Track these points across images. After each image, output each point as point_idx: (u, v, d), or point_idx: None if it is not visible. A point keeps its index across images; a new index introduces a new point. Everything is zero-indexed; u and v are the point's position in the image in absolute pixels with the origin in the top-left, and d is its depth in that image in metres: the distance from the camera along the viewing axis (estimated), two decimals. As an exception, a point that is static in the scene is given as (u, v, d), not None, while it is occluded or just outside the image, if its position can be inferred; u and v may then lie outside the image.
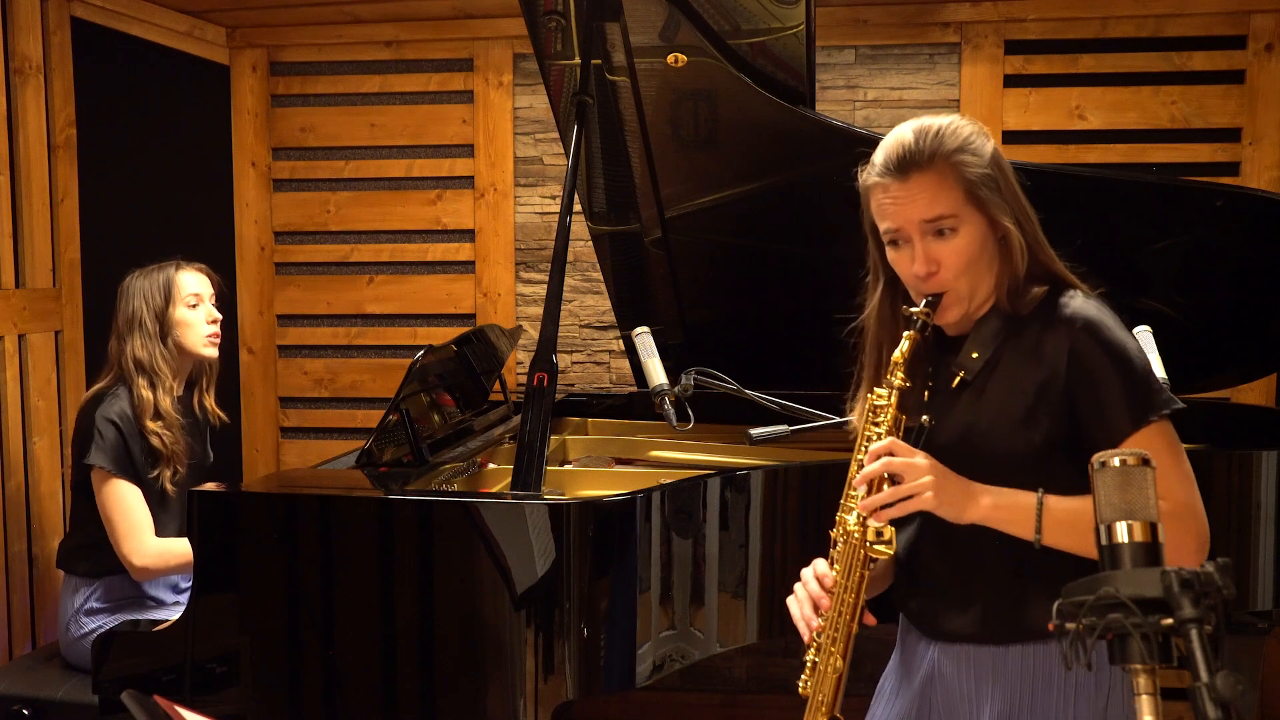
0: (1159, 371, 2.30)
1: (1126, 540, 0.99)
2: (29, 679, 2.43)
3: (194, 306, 2.58)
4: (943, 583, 1.55)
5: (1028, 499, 1.41)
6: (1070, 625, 0.96)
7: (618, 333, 3.44)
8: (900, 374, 1.48)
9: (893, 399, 1.48)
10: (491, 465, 2.54)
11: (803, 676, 1.51)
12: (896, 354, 1.49)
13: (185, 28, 3.50)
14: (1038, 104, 3.39)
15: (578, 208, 2.88)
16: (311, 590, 1.96)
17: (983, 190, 1.47)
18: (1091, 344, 1.44)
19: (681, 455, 2.67)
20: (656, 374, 2.41)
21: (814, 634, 1.49)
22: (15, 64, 2.88)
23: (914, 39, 3.41)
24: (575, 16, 2.39)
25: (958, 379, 1.53)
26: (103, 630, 2.34)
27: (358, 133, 3.70)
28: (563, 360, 3.65)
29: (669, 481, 2.09)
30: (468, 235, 3.69)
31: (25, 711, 2.34)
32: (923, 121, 1.52)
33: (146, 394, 2.48)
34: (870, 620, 1.50)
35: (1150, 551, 0.98)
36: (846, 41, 3.45)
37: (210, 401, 2.70)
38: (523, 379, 3.62)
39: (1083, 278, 1.56)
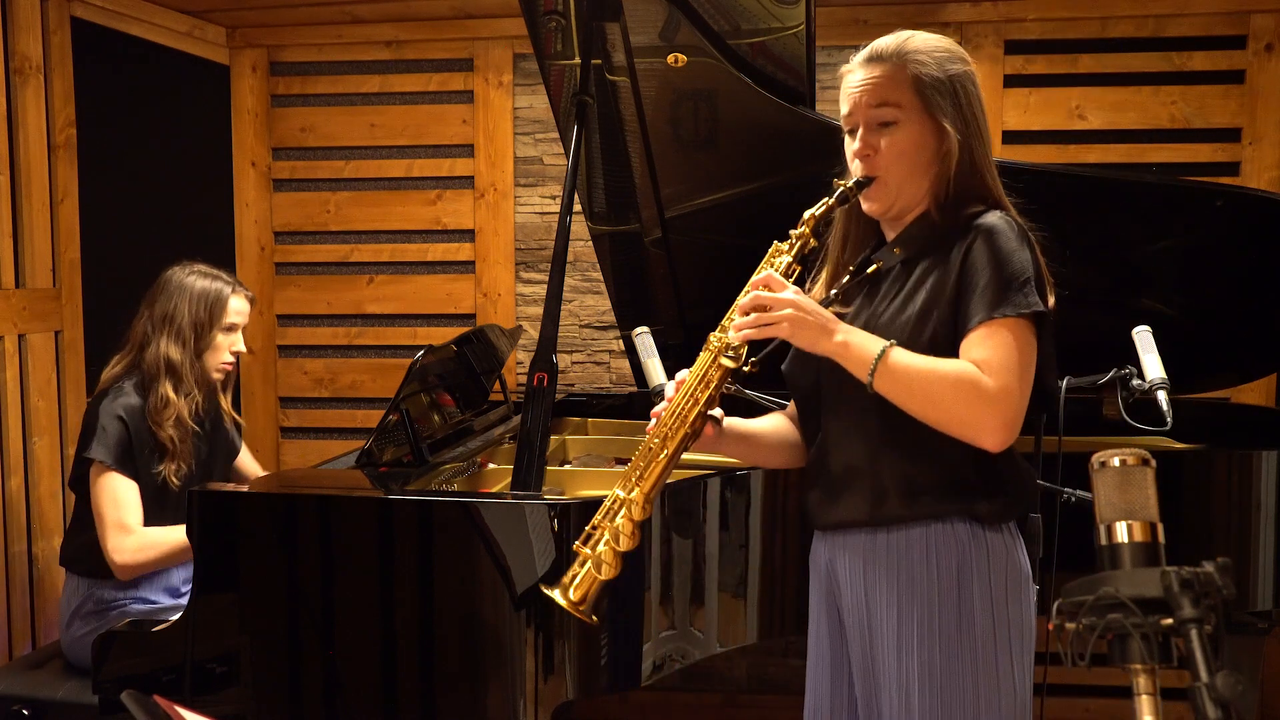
0: (1157, 371, 2.29)
1: (1126, 540, 0.99)
2: (29, 679, 2.43)
3: (227, 332, 2.59)
4: (829, 474, 1.66)
5: (875, 344, 1.51)
6: (1070, 625, 0.96)
7: (618, 333, 3.44)
8: (807, 227, 1.60)
9: (791, 249, 1.61)
10: (491, 465, 2.54)
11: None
12: (806, 214, 1.61)
13: (185, 28, 3.50)
14: (1038, 104, 3.39)
15: (578, 208, 2.88)
16: (311, 590, 1.96)
17: (933, 94, 1.58)
18: (982, 245, 1.54)
19: (681, 455, 2.66)
20: (656, 374, 2.41)
21: (654, 421, 1.60)
22: (15, 64, 2.88)
23: (914, 39, 3.40)
24: (575, 16, 2.39)
25: (873, 268, 1.65)
26: (103, 628, 2.34)
27: (358, 133, 3.70)
28: (563, 360, 3.65)
29: (669, 481, 2.08)
30: (468, 235, 3.69)
31: (25, 711, 2.34)
32: (906, 30, 1.66)
33: (172, 396, 2.48)
34: (709, 430, 1.61)
35: (1150, 551, 0.98)
36: (846, 41, 3.43)
37: (226, 403, 2.70)
38: (523, 379, 3.62)
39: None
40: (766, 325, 1.52)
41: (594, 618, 1.53)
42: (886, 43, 1.62)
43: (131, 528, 2.42)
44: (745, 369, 1.57)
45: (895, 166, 1.59)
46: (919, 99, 1.58)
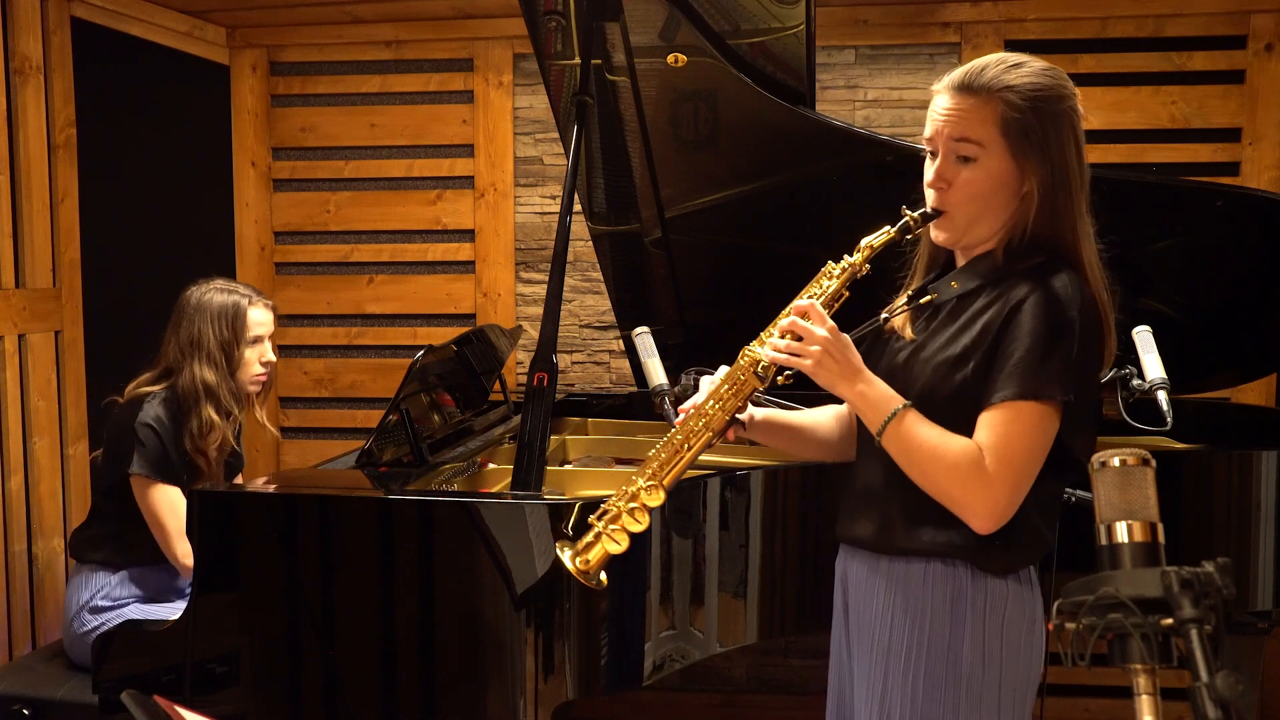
0: (1157, 371, 2.29)
1: (1126, 540, 0.99)
2: (29, 679, 2.43)
3: (253, 345, 2.59)
4: (853, 489, 1.68)
5: (890, 404, 1.52)
6: (1070, 625, 0.96)
7: (618, 333, 3.44)
8: (861, 256, 1.58)
9: (842, 274, 1.59)
10: (491, 465, 2.54)
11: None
12: (864, 241, 1.59)
13: (185, 28, 3.50)
14: (1038, 104, 3.39)
15: (578, 208, 2.88)
16: (311, 590, 1.96)
17: (1019, 137, 1.50)
18: (1034, 308, 1.48)
19: (681, 455, 2.66)
20: (656, 374, 2.41)
21: (680, 419, 1.65)
22: (15, 64, 2.88)
23: (914, 39, 3.41)
24: (575, 16, 2.39)
25: (927, 298, 1.63)
26: (106, 627, 2.34)
27: (358, 133, 3.70)
28: (563, 360, 3.65)
29: (669, 481, 2.08)
30: (468, 235, 3.69)
31: (25, 711, 2.34)
32: (1012, 55, 1.56)
33: (216, 419, 2.50)
34: (730, 436, 1.65)
35: (1150, 551, 0.98)
36: (846, 41, 3.45)
37: (261, 414, 2.72)
38: (523, 379, 3.62)
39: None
40: (794, 355, 1.54)
41: (603, 580, 1.59)
42: (983, 71, 1.53)
43: None
44: (778, 380, 1.60)
45: (967, 204, 1.54)
46: (1004, 139, 1.51)
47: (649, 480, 1.61)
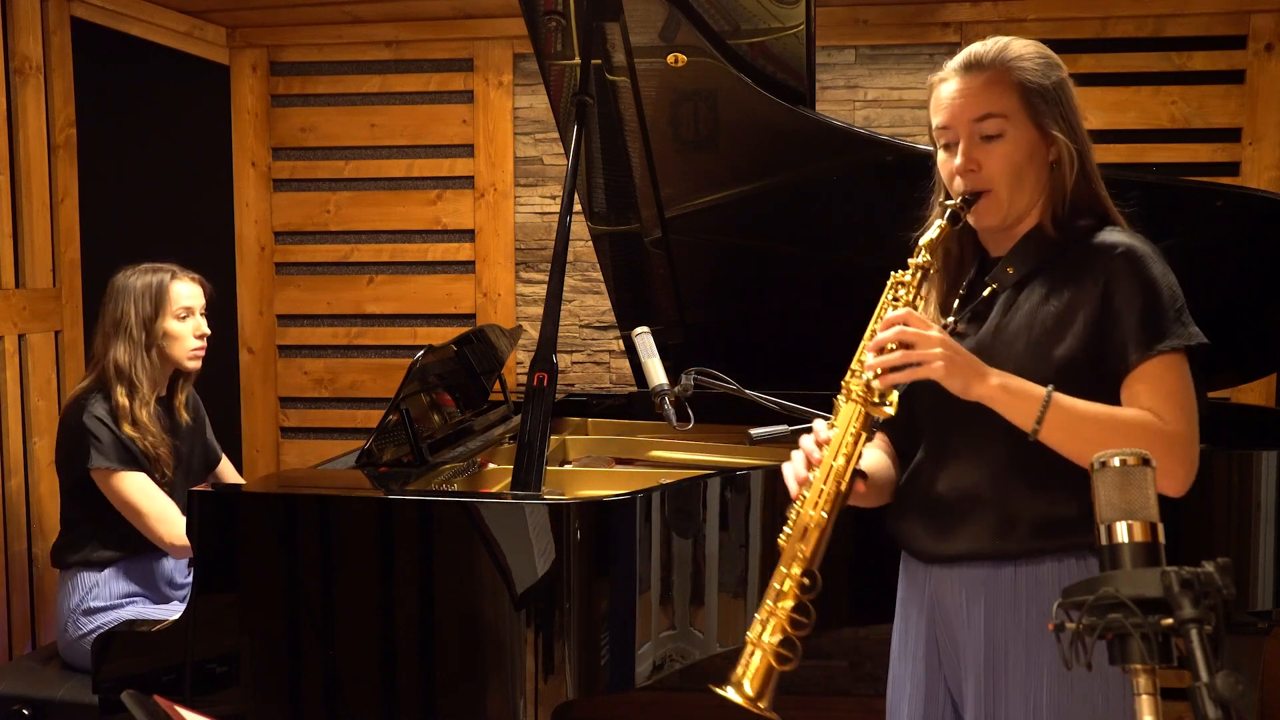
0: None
1: (1126, 540, 0.99)
2: (29, 679, 2.43)
3: (183, 319, 2.56)
4: (937, 502, 1.57)
5: (1037, 389, 1.42)
6: (1070, 625, 0.96)
7: (618, 333, 3.44)
8: (926, 255, 1.51)
9: (915, 277, 1.51)
10: (491, 465, 2.54)
11: (784, 529, 1.45)
12: (922, 241, 1.52)
13: (185, 28, 3.50)
14: (1038, 104, 3.38)
15: (578, 208, 2.88)
16: (311, 590, 1.96)
17: (1038, 100, 1.51)
18: (1126, 272, 1.47)
19: (681, 455, 2.67)
20: (656, 374, 2.41)
21: (800, 488, 1.46)
22: (15, 64, 2.88)
23: (914, 39, 3.41)
24: (575, 16, 2.39)
25: (989, 290, 1.56)
26: (101, 629, 2.34)
27: (358, 133, 3.70)
28: (563, 360, 3.65)
29: (669, 481, 2.08)
30: (468, 235, 3.69)
31: (25, 711, 2.34)
32: (1002, 36, 1.58)
33: (124, 401, 2.47)
34: (860, 487, 1.47)
35: (1150, 551, 0.98)
36: (846, 41, 3.45)
37: (180, 402, 2.65)
38: (523, 379, 3.62)
39: None
40: (916, 366, 1.40)
41: (773, 715, 1.38)
42: (984, 49, 1.54)
43: (174, 512, 2.44)
44: (888, 409, 1.44)
45: (1004, 179, 1.51)
46: (1025, 107, 1.50)
47: (796, 569, 1.40)
